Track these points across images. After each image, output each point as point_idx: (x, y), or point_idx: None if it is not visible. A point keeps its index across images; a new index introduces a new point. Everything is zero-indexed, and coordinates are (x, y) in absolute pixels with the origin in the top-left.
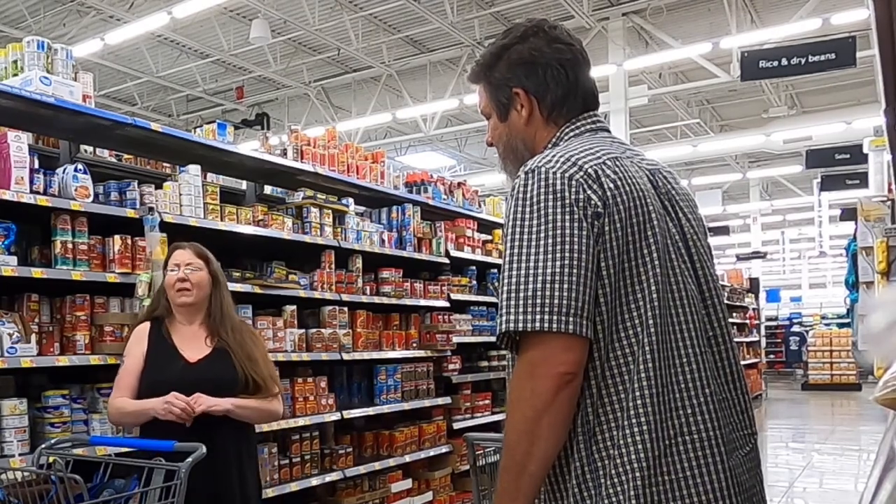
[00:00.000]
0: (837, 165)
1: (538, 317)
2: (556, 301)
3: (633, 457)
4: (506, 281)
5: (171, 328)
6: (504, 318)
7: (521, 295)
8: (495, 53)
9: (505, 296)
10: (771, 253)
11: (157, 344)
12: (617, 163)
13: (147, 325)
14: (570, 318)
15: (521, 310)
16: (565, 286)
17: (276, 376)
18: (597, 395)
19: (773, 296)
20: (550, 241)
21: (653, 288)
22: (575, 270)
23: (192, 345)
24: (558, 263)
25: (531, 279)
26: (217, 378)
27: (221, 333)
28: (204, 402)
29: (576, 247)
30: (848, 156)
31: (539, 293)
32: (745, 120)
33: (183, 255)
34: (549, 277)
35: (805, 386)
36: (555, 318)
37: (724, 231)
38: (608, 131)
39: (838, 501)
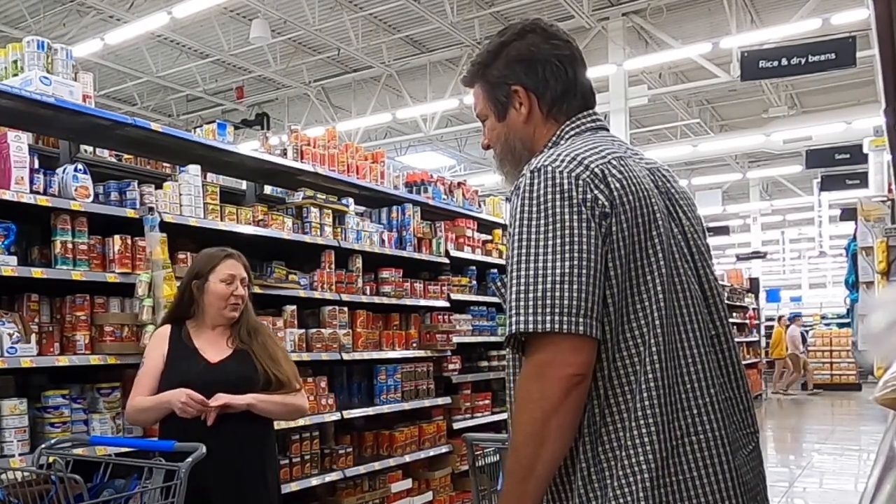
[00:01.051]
0: (837, 165)
1: (548, 318)
2: (565, 302)
3: (641, 458)
4: (514, 282)
5: (192, 331)
6: (514, 318)
7: (531, 296)
8: (493, 51)
9: (514, 297)
10: (771, 253)
11: (177, 346)
12: (622, 162)
13: (168, 328)
14: (580, 319)
15: (530, 311)
16: (575, 286)
17: (297, 374)
18: (603, 396)
19: (773, 296)
20: (559, 241)
21: (658, 288)
22: (584, 271)
23: (214, 347)
24: (567, 264)
25: (540, 280)
26: (238, 378)
27: (243, 336)
28: (223, 398)
29: (584, 247)
30: (848, 156)
31: (549, 294)
32: (745, 120)
33: (238, 268)
34: (558, 278)
35: (805, 386)
36: (564, 318)
37: (724, 231)
38: (607, 130)
39: (838, 501)
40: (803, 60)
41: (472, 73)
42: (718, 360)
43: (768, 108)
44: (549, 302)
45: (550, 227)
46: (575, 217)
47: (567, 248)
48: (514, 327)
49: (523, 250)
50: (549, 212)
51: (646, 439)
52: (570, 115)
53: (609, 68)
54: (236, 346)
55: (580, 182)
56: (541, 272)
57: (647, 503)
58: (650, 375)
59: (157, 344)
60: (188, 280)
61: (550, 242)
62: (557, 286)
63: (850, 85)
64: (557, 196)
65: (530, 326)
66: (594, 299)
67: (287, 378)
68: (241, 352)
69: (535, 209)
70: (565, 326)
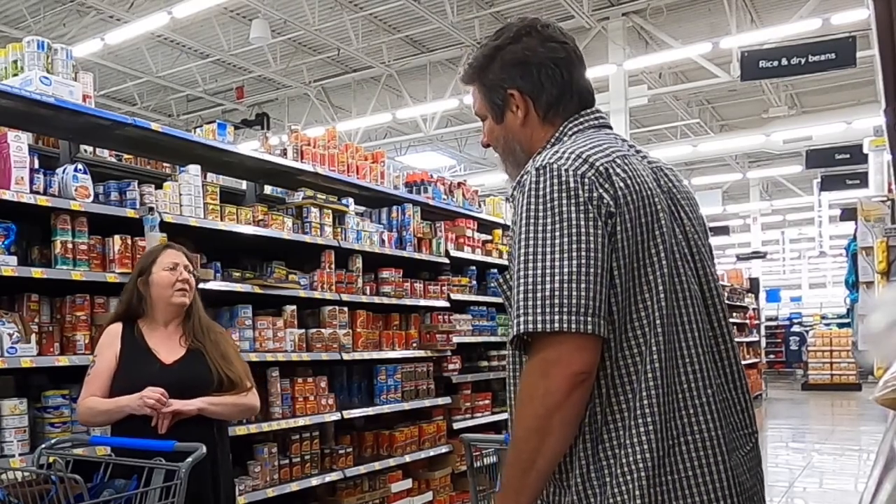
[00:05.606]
0: (837, 165)
1: (556, 317)
2: (573, 301)
3: (639, 456)
4: (521, 281)
5: (144, 330)
6: (522, 318)
7: (539, 295)
8: (488, 55)
9: (521, 296)
10: (771, 253)
11: (130, 346)
12: (626, 161)
13: (119, 325)
14: (588, 318)
15: (538, 310)
16: (583, 286)
17: (248, 372)
18: (605, 395)
19: (773, 296)
20: (566, 239)
21: (660, 288)
22: (592, 269)
23: (167, 346)
24: (575, 262)
25: (548, 279)
26: (193, 379)
27: (196, 334)
28: (175, 405)
29: (592, 245)
30: (848, 156)
31: (556, 293)
32: (745, 120)
33: (179, 256)
34: (565, 277)
35: (805, 386)
36: (573, 318)
37: (724, 231)
38: (610, 128)
39: (838, 501)
40: (803, 60)
41: (469, 75)
42: (716, 361)
43: (768, 108)
44: (556, 301)
45: (557, 226)
46: (582, 216)
47: (574, 246)
48: (521, 327)
49: (530, 249)
50: (556, 210)
51: (643, 438)
52: (567, 115)
53: (609, 68)
54: (190, 346)
55: (586, 180)
56: (548, 271)
57: (643, 501)
58: (650, 375)
59: (108, 342)
60: (134, 280)
61: (557, 241)
62: (565, 285)
63: (850, 85)
64: (564, 194)
65: (539, 326)
66: (601, 298)
67: (238, 377)
68: (195, 351)
69: (541, 207)
70: (574, 326)
